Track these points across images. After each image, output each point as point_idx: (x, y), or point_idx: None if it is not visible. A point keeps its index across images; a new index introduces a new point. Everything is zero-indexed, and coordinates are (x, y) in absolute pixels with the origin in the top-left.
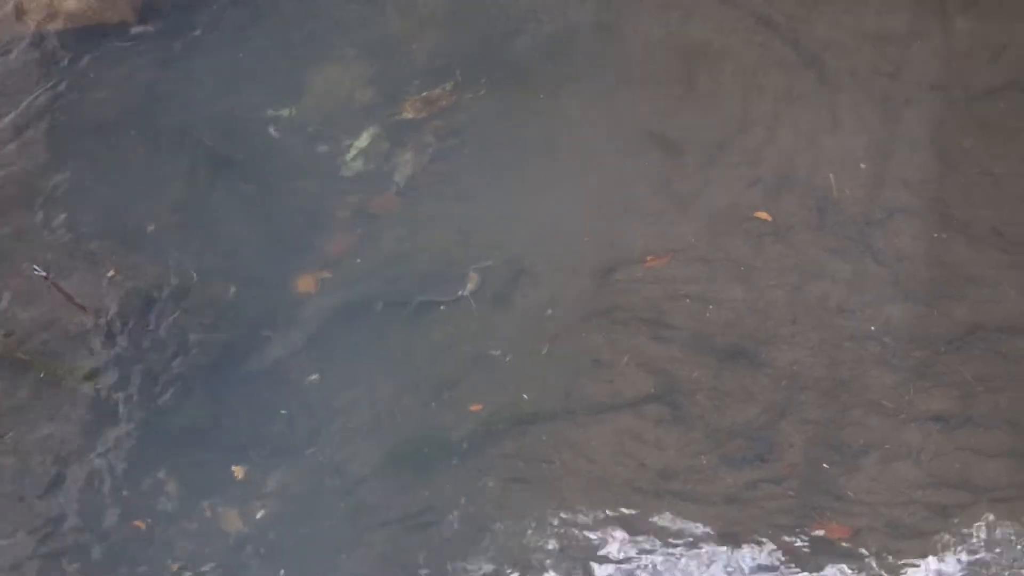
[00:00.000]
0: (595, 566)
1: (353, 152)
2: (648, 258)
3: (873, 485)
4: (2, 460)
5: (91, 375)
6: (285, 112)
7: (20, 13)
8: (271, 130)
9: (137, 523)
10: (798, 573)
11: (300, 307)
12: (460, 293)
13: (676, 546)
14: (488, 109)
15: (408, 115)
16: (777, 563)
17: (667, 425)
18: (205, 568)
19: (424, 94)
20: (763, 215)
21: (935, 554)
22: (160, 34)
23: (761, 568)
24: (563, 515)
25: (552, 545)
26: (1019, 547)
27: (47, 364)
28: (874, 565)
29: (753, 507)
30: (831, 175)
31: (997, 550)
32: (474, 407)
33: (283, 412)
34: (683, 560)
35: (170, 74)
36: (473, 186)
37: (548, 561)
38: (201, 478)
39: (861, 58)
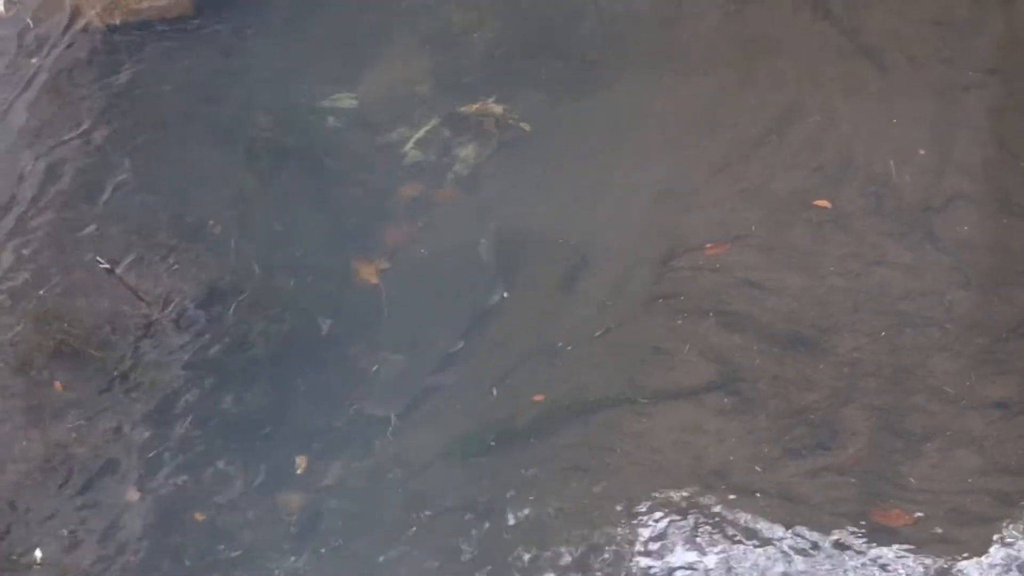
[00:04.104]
0: (657, 556)
1: (413, 143)
2: (708, 246)
3: (936, 472)
4: (69, 451)
5: (154, 367)
6: (345, 103)
7: (78, 8)
8: (331, 121)
9: (198, 515)
10: (861, 561)
11: (362, 296)
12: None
13: (737, 534)
14: (548, 100)
15: (466, 113)
16: (840, 551)
17: (729, 414)
18: (266, 557)
19: (477, 105)
20: (823, 203)
21: (999, 540)
22: (219, 27)
23: (824, 556)
24: (624, 504)
25: (613, 534)
26: None
27: (111, 356)
28: (937, 552)
29: (815, 495)
30: (891, 162)
31: None
32: (536, 396)
33: (345, 402)
34: (745, 549)
35: (230, 66)
36: (533, 176)
37: (609, 550)
38: (263, 468)
39: (919, 45)
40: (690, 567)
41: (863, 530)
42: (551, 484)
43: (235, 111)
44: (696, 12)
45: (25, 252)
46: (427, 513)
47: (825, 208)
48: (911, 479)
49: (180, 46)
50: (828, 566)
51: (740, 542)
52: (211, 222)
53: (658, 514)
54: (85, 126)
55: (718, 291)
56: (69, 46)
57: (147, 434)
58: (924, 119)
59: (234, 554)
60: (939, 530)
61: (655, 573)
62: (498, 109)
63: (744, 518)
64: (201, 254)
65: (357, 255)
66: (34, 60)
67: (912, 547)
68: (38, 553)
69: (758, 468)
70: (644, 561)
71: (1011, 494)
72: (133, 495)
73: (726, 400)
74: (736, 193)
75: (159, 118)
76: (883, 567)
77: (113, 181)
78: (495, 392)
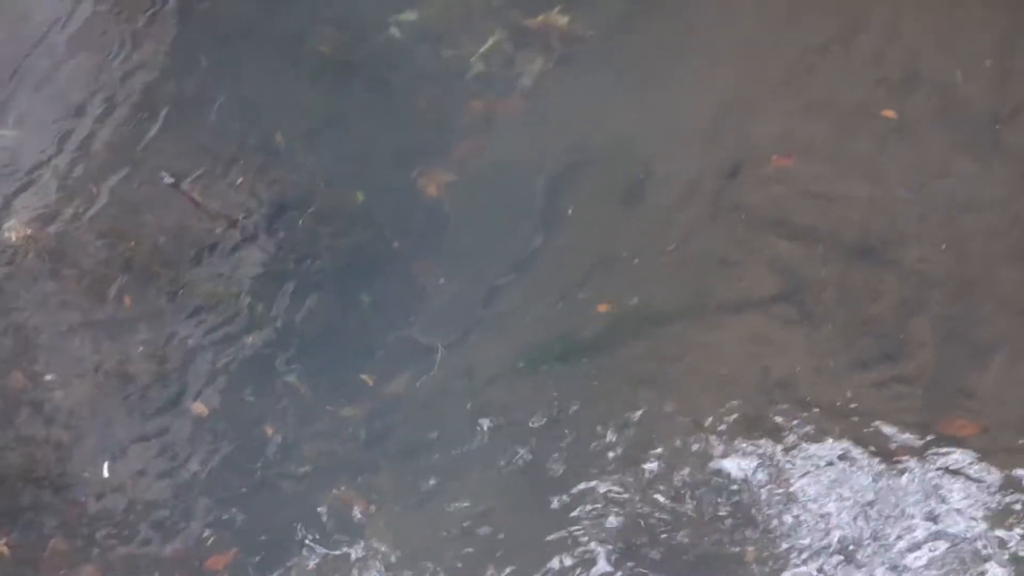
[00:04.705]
0: (720, 467)
1: (478, 56)
2: (774, 157)
3: (1003, 382)
4: (138, 365)
5: (220, 281)
6: (409, 17)
7: None
8: (395, 35)
9: (267, 428)
10: (927, 471)
11: (427, 209)
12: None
13: (804, 446)
14: (612, 12)
15: (530, 26)
16: (906, 461)
17: (795, 325)
18: (334, 468)
19: (542, 17)
20: (889, 113)
21: None
22: None
23: (891, 466)
24: (690, 416)
25: (679, 445)
26: None
27: (178, 272)
28: (1003, 462)
29: (882, 406)
30: (957, 72)
31: None
32: (602, 307)
33: (411, 314)
34: (811, 460)
35: None
36: (599, 88)
37: (673, 462)
38: (329, 381)
39: None
40: (756, 478)
41: (929, 440)
42: (618, 395)
43: (300, 25)
44: None
45: (93, 169)
46: (493, 424)
47: (891, 119)
48: (978, 390)
49: None
50: (894, 477)
51: (806, 453)
52: (276, 137)
53: (725, 426)
54: (149, 42)
55: (784, 202)
56: None
57: (214, 348)
58: (990, 30)
59: (301, 468)
60: (1006, 440)
61: (722, 485)
62: (563, 21)
63: (811, 429)
64: (266, 169)
65: (421, 168)
66: None
67: (978, 457)
68: (106, 468)
69: (824, 379)
70: (710, 472)
71: None
72: (200, 409)
73: (793, 311)
74: (801, 104)
75: (224, 33)
76: (950, 476)
77: (179, 97)
78: (561, 303)
